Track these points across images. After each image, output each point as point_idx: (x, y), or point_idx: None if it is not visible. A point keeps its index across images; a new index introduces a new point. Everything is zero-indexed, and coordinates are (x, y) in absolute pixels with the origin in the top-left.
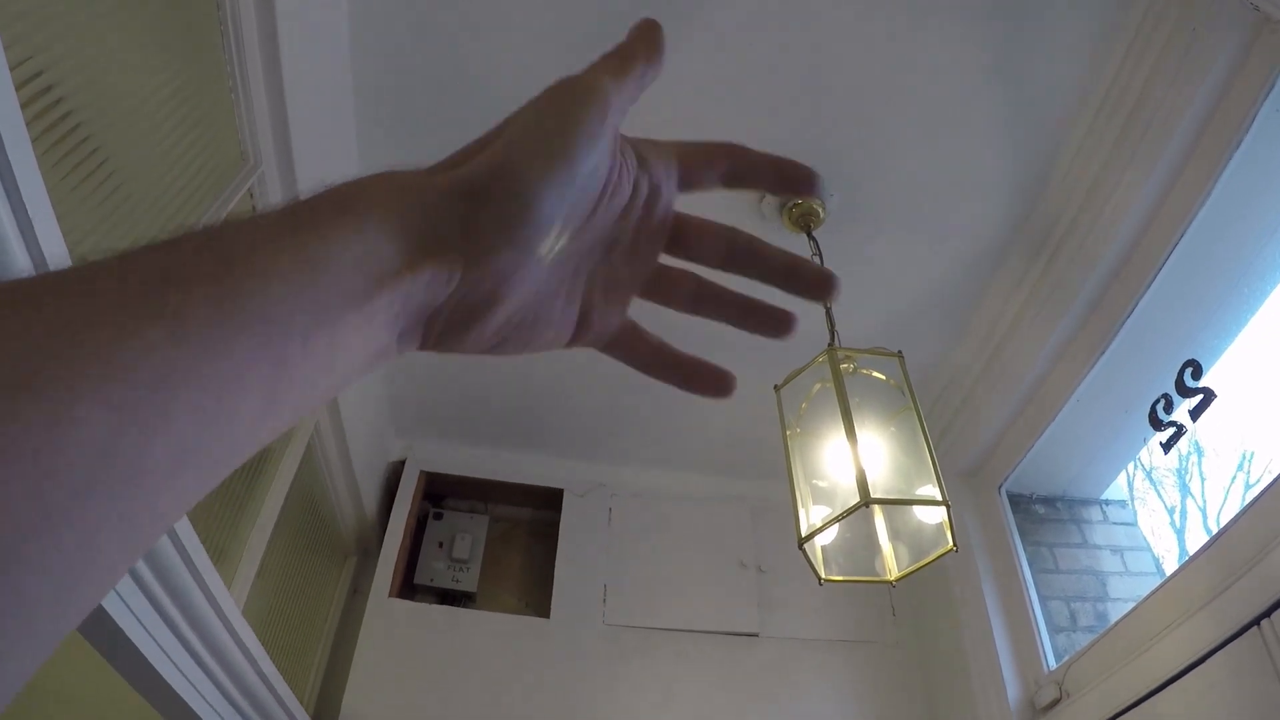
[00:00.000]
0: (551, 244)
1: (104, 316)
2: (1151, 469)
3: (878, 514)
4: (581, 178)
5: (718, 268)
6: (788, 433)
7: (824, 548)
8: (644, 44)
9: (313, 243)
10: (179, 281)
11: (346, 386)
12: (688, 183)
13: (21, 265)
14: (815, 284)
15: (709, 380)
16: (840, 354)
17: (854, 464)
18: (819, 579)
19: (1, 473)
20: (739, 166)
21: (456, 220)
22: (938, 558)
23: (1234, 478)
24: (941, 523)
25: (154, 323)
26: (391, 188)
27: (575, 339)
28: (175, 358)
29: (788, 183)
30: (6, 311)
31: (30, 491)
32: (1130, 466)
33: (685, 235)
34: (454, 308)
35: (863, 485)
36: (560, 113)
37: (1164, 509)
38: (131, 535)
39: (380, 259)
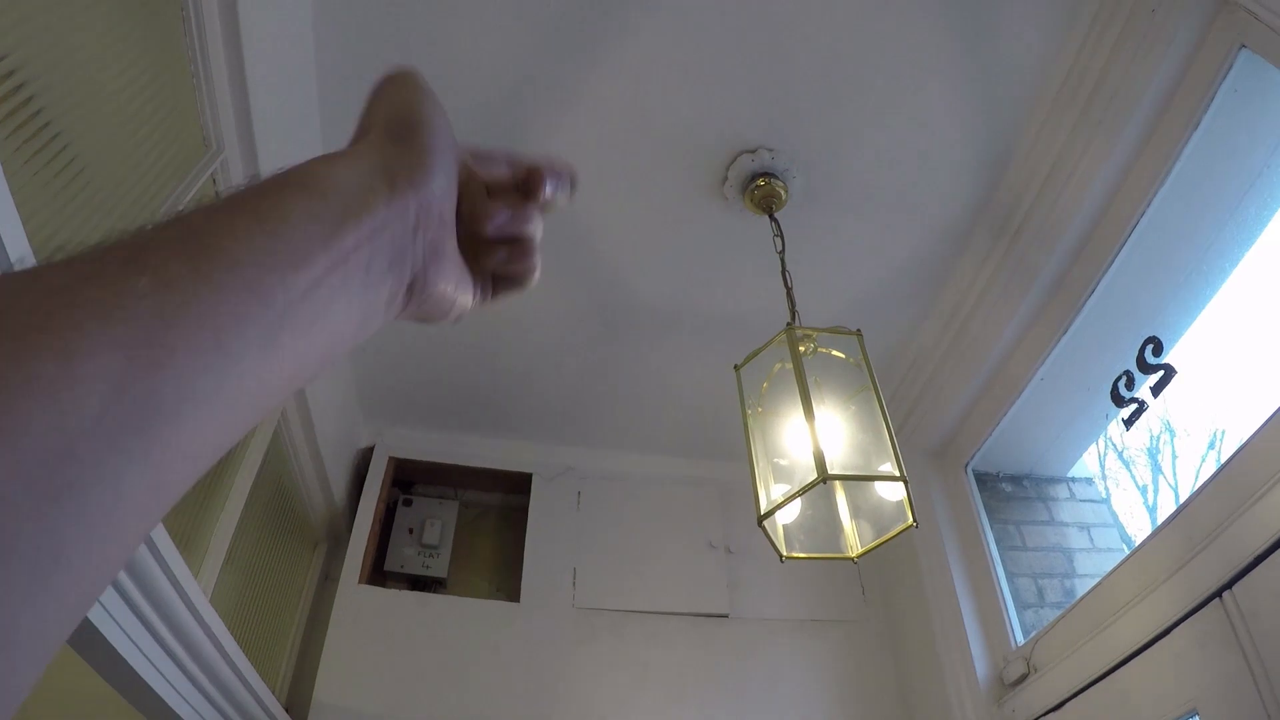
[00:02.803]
0: (455, 169)
1: (96, 275)
2: (1123, 449)
3: (839, 491)
4: (438, 108)
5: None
6: (749, 412)
7: (786, 526)
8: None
9: (265, 203)
10: (153, 248)
11: (348, 343)
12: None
13: None
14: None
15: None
16: (799, 333)
17: (812, 441)
18: (780, 556)
19: (26, 404)
20: (514, 159)
21: (395, 156)
22: (898, 534)
23: (1205, 456)
24: (902, 499)
25: (139, 276)
26: (327, 156)
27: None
28: (165, 300)
29: (552, 175)
30: (5, 280)
31: (53, 424)
32: (1101, 446)
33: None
34: (424, 248)
35: (820, 462)
36: (400, 77)
37: (1136, 488)
38: (157, 474)
39: (340, 204)
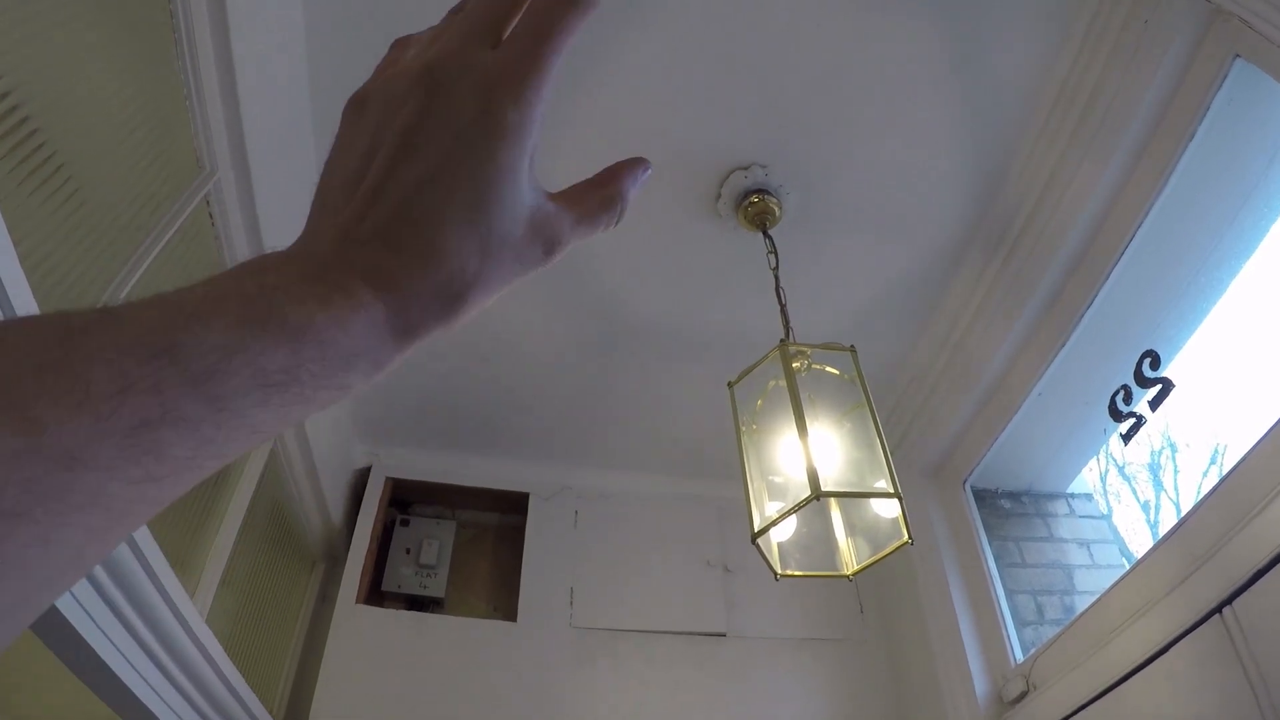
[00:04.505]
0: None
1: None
2: (1125, 464)
3: (834, 509)
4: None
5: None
6: (743, 429)
7: (781, 543)
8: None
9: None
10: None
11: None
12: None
13: None
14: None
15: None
16: (792, 349)
17: (805, 458)
18: (774, 574)
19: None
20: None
21: (375, 259)
22: (893, 551)
23: (1206, 471)
24: (897, 516)
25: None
26: (261, 264)
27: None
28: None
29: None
30: None
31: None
32: (1102, 462)
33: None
34: (427, 305)
35: (813, 479)
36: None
37: (1138, 504)
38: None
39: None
